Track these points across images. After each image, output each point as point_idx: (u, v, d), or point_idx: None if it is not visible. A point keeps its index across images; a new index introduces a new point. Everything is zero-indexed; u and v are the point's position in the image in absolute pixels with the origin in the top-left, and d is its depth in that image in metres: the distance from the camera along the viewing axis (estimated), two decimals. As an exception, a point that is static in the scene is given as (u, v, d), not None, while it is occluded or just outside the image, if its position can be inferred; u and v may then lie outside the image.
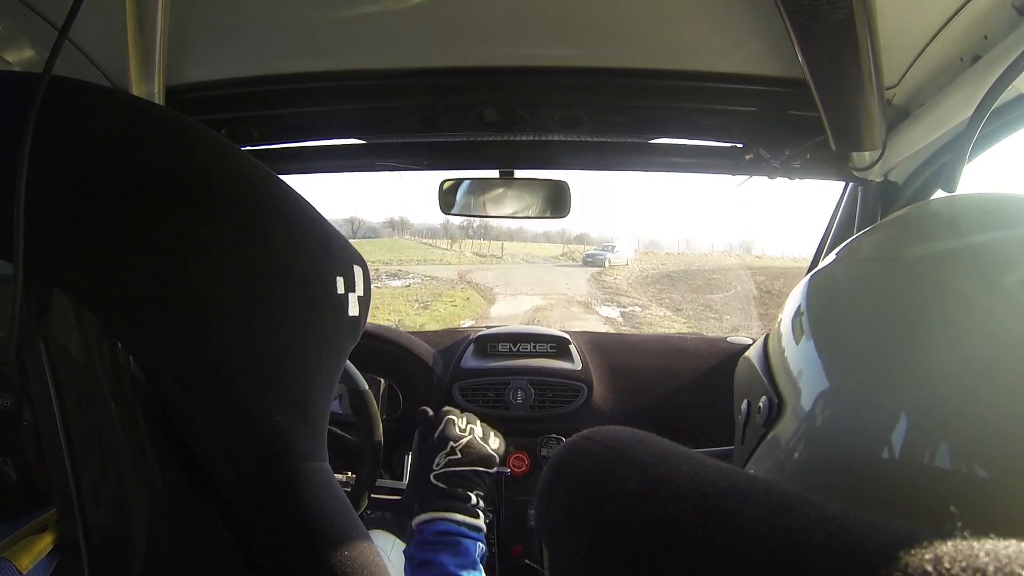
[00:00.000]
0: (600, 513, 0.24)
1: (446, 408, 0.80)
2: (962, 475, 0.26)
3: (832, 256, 0.40)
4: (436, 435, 0.77)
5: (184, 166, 0.36)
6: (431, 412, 0.80)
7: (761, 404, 0.39)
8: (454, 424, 0.78)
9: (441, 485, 0.73)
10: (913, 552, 0.18)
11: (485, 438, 0.79)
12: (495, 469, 0.78)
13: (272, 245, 0.39)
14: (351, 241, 0.46)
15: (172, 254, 0.35)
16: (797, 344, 0.36)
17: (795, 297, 0.39)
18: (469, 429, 0.78)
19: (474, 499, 0.73)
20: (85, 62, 0.83)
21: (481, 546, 0.71)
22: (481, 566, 0.69)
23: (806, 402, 0.34)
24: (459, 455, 0.75)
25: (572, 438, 0.30)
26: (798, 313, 0.37)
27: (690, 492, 0.23)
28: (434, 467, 0.74)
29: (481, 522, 0.73)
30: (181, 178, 0.36)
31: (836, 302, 0.36)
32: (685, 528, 0.21)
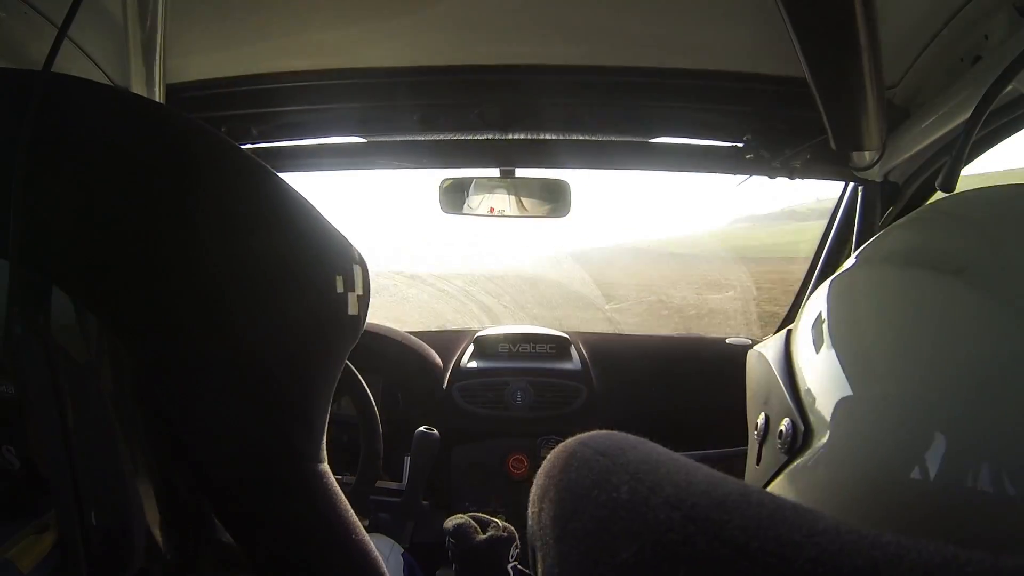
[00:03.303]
0: (591, 521, 0.24)
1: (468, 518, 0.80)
2: (1007, 498, 0.25)
3: (852, 260, 0.38)
4: (505, 531, 0.77)
5: (184, 164, 0.36)
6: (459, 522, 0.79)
7: (784, 427, 0.35)
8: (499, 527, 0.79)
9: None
10: (907, 569, 0.18)
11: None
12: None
13: (271, 244, 0.39)
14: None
15: (171, 253, 0.35)
16: (817, 353, 0.34)
17: (816, 303, 0.37)
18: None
19: None
20: (85, 60, 0.83)
21: None
22: None
23: (828, 416, 0.32)
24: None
25: (565, 443, 0.29)
26: (819, 320, 0.35)
27: (681, 502, 0.22)
28: (511, 558, 0.75)
29: None
30: (180, 176, 0.36)
31: (862, 308, 0.34)
32: (675, 539, 0.21)
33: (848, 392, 0.31)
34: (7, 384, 0.35)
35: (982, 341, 0.28)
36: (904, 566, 0.18)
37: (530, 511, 0.29)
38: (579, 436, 0.29)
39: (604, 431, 0.29)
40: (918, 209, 0.35)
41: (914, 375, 0.29)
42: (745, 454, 0.45)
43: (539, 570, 0.27)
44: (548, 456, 0.30)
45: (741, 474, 0.40)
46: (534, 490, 0.29)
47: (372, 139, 1.11)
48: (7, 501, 0.37)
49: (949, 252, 0.31)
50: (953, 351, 0.28)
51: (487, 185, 1.21)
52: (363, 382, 0.90)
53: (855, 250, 1.16)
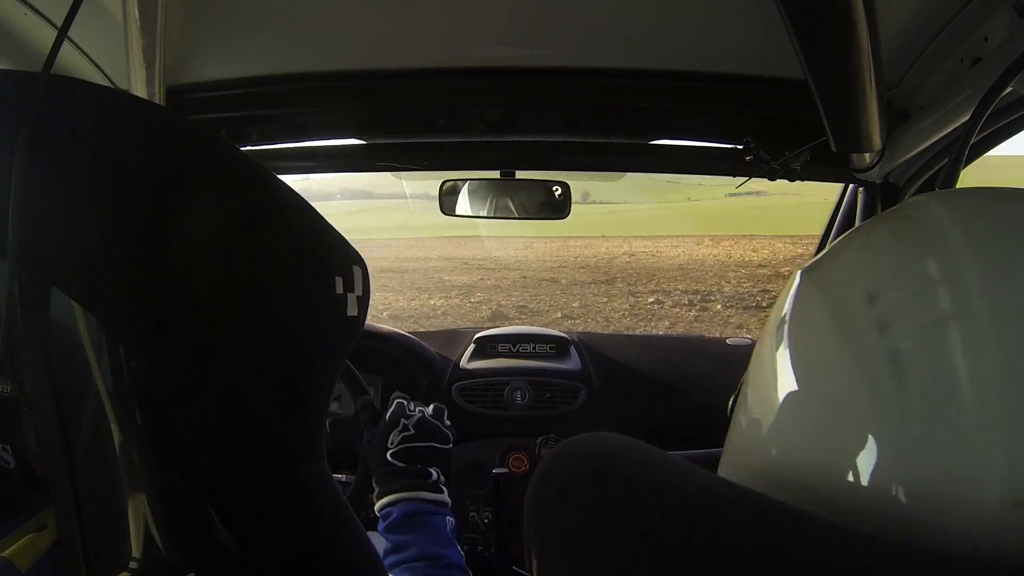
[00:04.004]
0: (586, 521, 0.24)
1: (395, 393, 0.81)
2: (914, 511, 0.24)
3: (826, 255, 0.36)
4: (387, 415, 0.77)
5: (184, 166, 0.36)
6: (373, 400, 0.81)
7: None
8: (403, 405, 0.78)
9: (399, 464, 0.72)
10: (901, 573, 0.18)
11: (438, 417, 0.79)
12: (450, 446, 0.78)
13: (270, 245, 0.39)
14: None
15: (171, 254, 0.35)
16: (777, 351, 0.34)
17: (785, 301, 0.37)
18: (418, 409, 0.79)
19: (435, 475, 0.72)
20: (85, 62, 0.83)
21: (451, 520, 0.70)
22: (455, 541, 0.68)
23: (776, 401, 0.32)
24: (412, 431, 0.74)
25: (562, 443, 0.29)
26: (783, 321, 0.35)
27: (675, 502, 0.23)
28: (389, 446, 0.73)
29: (446, 497, 0.72)
30: (180, 178, 0.36)
31: (818, 310, 0.33)
32: (669, 540, 0.21)
33: (794, 386, 0.31)
34: (3, 383, 0.35)
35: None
36: (902, 567, 0.18)
37: (526, 512, 0.29)
38: (575, 437, 0.29)
39: (600, 433, 0.29)
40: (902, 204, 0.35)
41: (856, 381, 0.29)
42: None
43: (534, 571, 0.27)
44: (544, 458, 0.30)
45: None
46: (530, 491, 0.29)
47: (372, 141, 1.11)
48: (3, 501, 0.37)
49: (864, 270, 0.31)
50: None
51: (487, 187, 1.22)
52: (364, 382, 0.90)
53: None
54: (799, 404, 0.30)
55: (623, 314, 6.72)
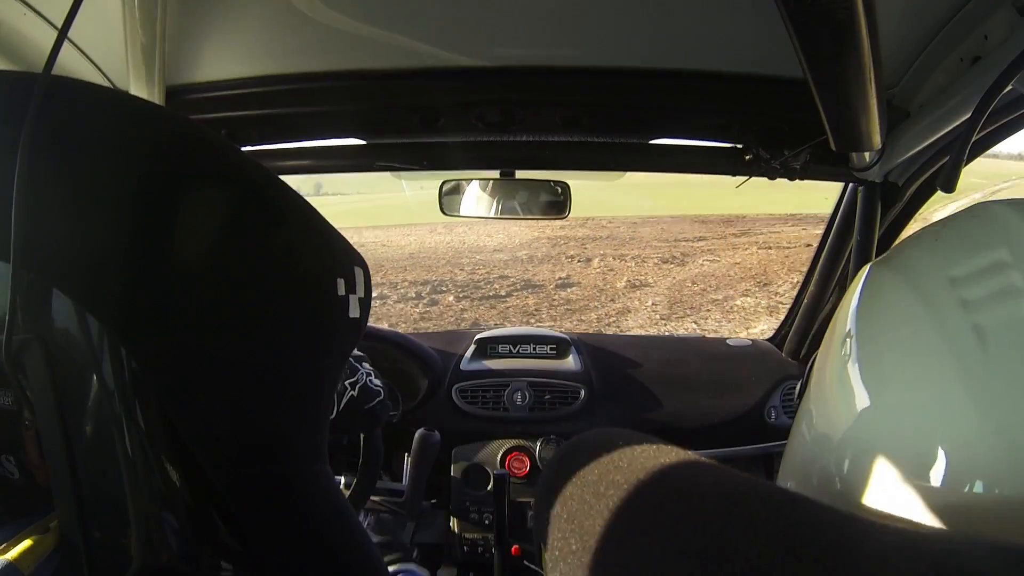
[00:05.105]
0: (597, 515, 0.24)
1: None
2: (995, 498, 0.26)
3: (896, 254, 0.38)
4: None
5: (183, 167, 0.36)
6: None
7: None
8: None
9: None
10: (913, 557, 0.18)
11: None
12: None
13: (272, 246, 0.39)
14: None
15: (172, 255, 0.35)
16: (846, 367, 0.36)
17: (849, 306, 0.38)
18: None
19: None
20: (85, 62, 0.83)
21: None
22: None
23: (853, 407, 0.34)
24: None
25: (572, 439, 0.30)
26: (847, 336, 0.37)
27: (687, 494, 0.23)
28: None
29: None
30: (180, 179, 0.36)
31: (883, 320, 0.36)
32: (682, 531, 0.21)
33: (867, 402, 0.33)
34: (5, 394, 0.35)
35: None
36: (914, 552, 0.18)
37: (535, 508, 0.29)
38: (584, 433, 0.30)
39: (610, 428, 0.29)
40: (963, 211, 0.36)
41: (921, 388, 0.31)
42: (744, 455, 0.47)
43: (545, 566, 0.27)
44: (556, 452, 0.30)
45: None
46: (540, 486, 0.29)
47: (372, 141, 1.11)
48: (8, 510, 0.37)
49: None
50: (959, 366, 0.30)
51: (487, 186, 1.22)
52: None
53: (855, 250, 1.16)
54: (883, 394, 0.32)
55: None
